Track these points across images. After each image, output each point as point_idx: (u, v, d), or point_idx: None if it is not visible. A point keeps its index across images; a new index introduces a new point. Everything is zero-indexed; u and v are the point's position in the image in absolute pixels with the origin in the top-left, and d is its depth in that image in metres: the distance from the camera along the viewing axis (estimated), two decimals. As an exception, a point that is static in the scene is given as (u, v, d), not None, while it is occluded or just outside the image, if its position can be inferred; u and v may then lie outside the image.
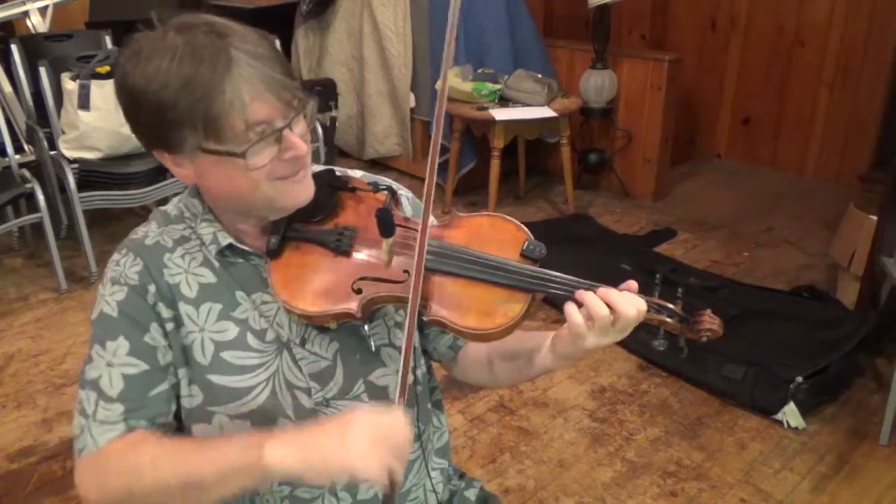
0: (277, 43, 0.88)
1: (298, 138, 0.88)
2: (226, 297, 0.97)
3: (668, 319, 0.94)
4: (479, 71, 3.81)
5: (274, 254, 0.95)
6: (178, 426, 1.00)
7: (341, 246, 0.95)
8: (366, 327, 0.98)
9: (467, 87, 3.69)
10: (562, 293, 0.92)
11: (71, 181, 3.07)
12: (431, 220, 1.01)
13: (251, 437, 0.84)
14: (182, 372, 0.96)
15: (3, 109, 3.31)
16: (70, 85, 3.11)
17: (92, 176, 3.14)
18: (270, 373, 0.97)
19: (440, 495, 1.16)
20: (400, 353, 1.04)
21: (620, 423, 2.37)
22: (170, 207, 1.05)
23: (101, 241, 3.54)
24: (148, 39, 0.86)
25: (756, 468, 2.18)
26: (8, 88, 3.43)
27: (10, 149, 3.23)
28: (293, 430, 0.84)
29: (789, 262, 3.43)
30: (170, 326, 0.95)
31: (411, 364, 1.06)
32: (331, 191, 1.00)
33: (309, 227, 0.97)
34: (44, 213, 3.07)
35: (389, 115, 4.35)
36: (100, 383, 0.92)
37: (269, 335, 0.97)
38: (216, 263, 0.98)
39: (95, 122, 3.11)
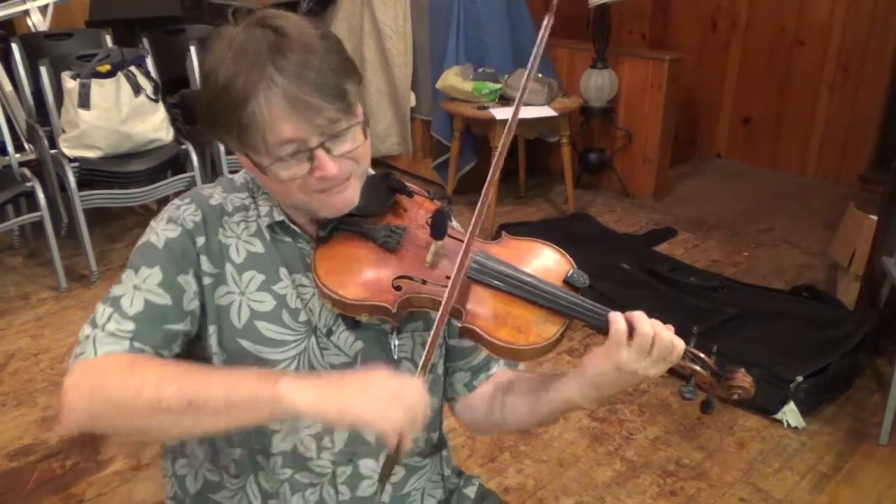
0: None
1: (331, 159, 0.88)
2: (270, 269, 0.98)
3: (702, 371, 0.94)
4: (480, 70, 3.81)
5: (322, 241, 0.97)
6: None
7: (389, 243, 0.97)
8: (393, 336, 1.00)
9: (467, 86, 3.69)
10: (599, 321, 0.92)
11: (71, 180, 3.07)
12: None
13: (267, 372, 0.85)
14: (212, 329, 0.97)
15: (4, 108, 3.31)
16: (70, 84, 3.11)
17: (92, 175, 3.14)
18: (298, 351, 0.98)
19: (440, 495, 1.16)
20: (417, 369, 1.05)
21: (620, 423, 2.37)
22: (237, 176, 1.06)
23: (101, 240, 3.55)
24: (227, 30, 0.89)
25: (756, 468, 2.18)
26: (8, 87, 3.43)
27: (10, 147, 3.23)
28: (311, 375, 0.85)
29: (789, 261, 3.43)
30: (207, 281, 0.97)
31: (428, 385, 1.07)
32: (389, 192, 1.02)
33: (361, 221, 0.98)
34: (44, 211, 3.08)
35: (390, 114, 4.35)
36: (121, 301, 0.93)
37: (302, 316, 0.98)
38: (267, 236, 0.99)
39: (96, 121, 3.11)
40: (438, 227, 0.95)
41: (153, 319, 0.92)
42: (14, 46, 3.38)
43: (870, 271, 2.71)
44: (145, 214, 3.91)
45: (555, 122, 3.71)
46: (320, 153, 0.87)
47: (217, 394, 0.82)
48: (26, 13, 3.67)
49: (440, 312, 0.89)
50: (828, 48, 4.15)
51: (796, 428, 2.33)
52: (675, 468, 2.18)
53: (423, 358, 0.88)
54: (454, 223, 1.09)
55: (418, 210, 1.02)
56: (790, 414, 2.34)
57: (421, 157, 4.41)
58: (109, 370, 0.87)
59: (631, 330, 0.90)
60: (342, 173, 0.90)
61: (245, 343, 0.97)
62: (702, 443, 2.27)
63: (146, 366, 0.87)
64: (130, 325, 0.91)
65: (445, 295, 0.89)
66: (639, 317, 0.90)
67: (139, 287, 0.93)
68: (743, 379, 0.94)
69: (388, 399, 0.80)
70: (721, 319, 2.81)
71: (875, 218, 2.68)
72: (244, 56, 0.84)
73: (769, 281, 3.21)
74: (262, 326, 0.97)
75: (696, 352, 0.94)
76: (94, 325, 0.92)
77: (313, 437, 1.00)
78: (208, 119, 0.90)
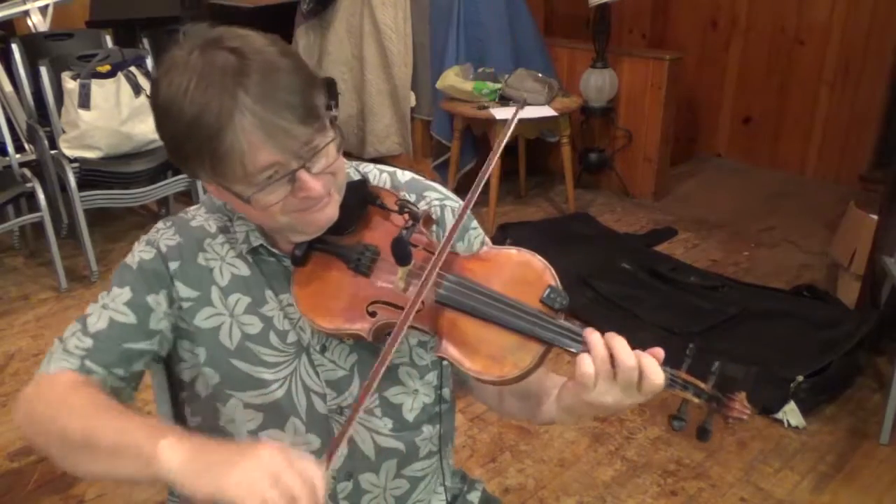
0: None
1: (313, 178, 0.85)
2: (255, 292, 0.98)
3: (694, 398, 0.87)
4: (480, 70, 3.81)
5: (299, 261, 0.94)
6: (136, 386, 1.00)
7: (360, 266, 0.93)
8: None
9: (468, 86, 3.69)
10: (577, 349, 0.85)
11: (71, 180, 3.07)
12: (460, 247, 1.01)
13: (163, 425, 0.83)
14: (199, 350, 0.97)
15: (4, 108, 3.31)
16: (70, 84, 3.11)
17: (92, 175, 3.14)
18: (288, 373, 0.98)
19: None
20: (418, 373, 1.03)
21: (620, 422, 2.37)
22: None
23: (101, 241, 3.55)
24: (178, 56, 0.83)
25: (756, 467, 2.18)
26: (8, 87, 3.43)
27: (10, 148, 3.23)
28: (202, 437, 0.81)
29: (790, 261, 3.43)
30: (187, 304, 0.97)
31: (436, 383, 1.06)
32: (361, 204, 0.97)
33: (335, 239, 0.95)
34: (44, 212, 3.08)
35: (390, 114, 4.35)
36: (88, 318, 0.96)
37: (291, 337, 0.98)
38: (249, 259, 0.99)
39: (96, 122, 3.11)
40: (401, 256, 0.90)
41: (113, 337, 0.94)
42: (14, 47, 3.38)
43: (870, 271, 2.71)
44: (146, 215, 3.91)
45: (555, 122, 3.70)
46: (302, 174, 0.84)
47: (109, 437, 0.80)
48: (26, 13, 3.67)
49: (387, 347, 0.84)
50: (828, 48, 4.15)
51: (797, 427, 2.33)
52: (675, 468, 2.18)
53: (331, 445, 0.82)
54: (449, 219, 1.04)
55: (389, 225, 0.96)
56: (791, 413, 2.34)
57: (421, 157, 4.40)
58: (46, 390, 0.91)
59: (597, 367, 0.84)
60: (324, 190, 0.88)
61: (238, 363, 0.97)
62: (702, 442, 2.27)
63: (74, 395, 0.88)
64: (88, 343, 0.93)
65: (394, 331, 0.84)
66: (596, 342, 0.84)
67: (107, 306, 0.96)
68: (741, 409, 0.88)
69: (262, 476, 0.72)
70: (721, 319, 2.81)
71: (875, 217, 2.68)
72: (209, 83, 0.80)
73: (769, 280, 3.21)
74: (254, 348, 0.97)
75: (688, 378, 0.87)
76: (60, 340, 0.96)
77: (312, 454, 0.98)
78: (179, 155, 0.85)
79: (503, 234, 3.44)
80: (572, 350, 0.85)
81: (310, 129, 0.83)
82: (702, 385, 0.87)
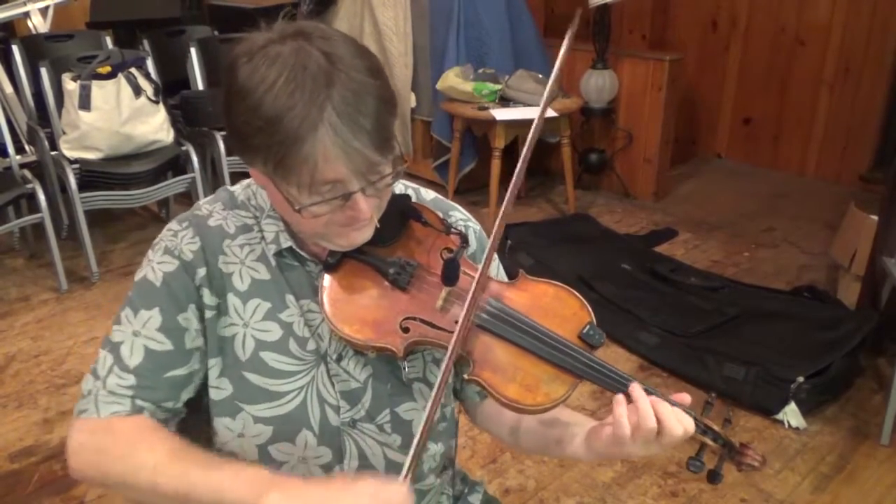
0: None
1: (367, 202, 0.85)
2: (276, 297, 0.95)
3: (712, 442, 0.91)
4: (480, 71, 3.81)
5: (330, 268, 0.92)
6: (188, 413, 0.98)
7: (399, 280, 0.92)
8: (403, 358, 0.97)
9: (468, 87, 3.69)
10: (611, 386, 0.90)
11: (72, 181, 3.08)
12: (493, 273, 1.01)
13: (259, 474, 0.82)
14: (213, 362, 0.94)
15: (4, 110, 3.31)
16: (71, 85, 3.11)
17: (93, 176, 3.15)
18: (305, 382, 0.95)
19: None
20: (431, 390, 1.02)
21: (621, 423, 2.36)
22: (238, 190, 1.01)
23: (101, 242, 3.55)
24: (266, 40, 0.81)
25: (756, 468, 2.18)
26: (9, 89, 3.44)
27: (11, 149, 3.23)
28: (300, 480, 0.83)
29: (790, 262, 3.43)
30: (210, 314, 0.94)
31: (442, 401, 1.04)
32: (402, 218, 0.96)
33: (372, 250, 0.93)
34: (45, 213, 3.08)
35: (390, 115, 4.35)
36: (120, 349, 0.91)
37: (310, 345, 0.95)
38: (272, 262, 0.96)
39: (96, 123, 3.11)
40: (449, 276, 0.91)
41: (154, 369, 0.91)
42: (15, 48, 3.39)
43: (870, 272, 2.71)
44: (146, 215, 3.92)
45: (555, 123, 3.71)
46: (358, 195, 0.84)
47: (208, 494, 0.81)
48: (27, 15, 3.68)
49: (441, 374, 0.84)
50: (828, 48, 4.15)
51: (797, 428, 2.33)
52: (676, 469, 2.17)
53: (410, 458, 0.83)
54: (473, 240, 1.06)
55: (432, 242, 0.96)
56: (791, 414, 2.34)
57: (421, 158, 4.41)
58: (109, 441, 0.87)
59: (637, 424, 0.87)
60: (370, 212, 0.87)
61: (251, 376, 0.94)
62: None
63: (147, 446, 0.86)
64: (131, 380, 0.90)
65: (448, 352, 0.84)
66: (643, 406, 0.87)
67: (139, 333, 0.91)
68: (754, 457, 0.92)
69: None
70: (722, 320, 2.81)
71: (876, 218, 2.68)
72: (298, 85, 0.78)
73: (770, 281, 3.21)
74: (269, 357, 0.94)
75: (709, 423, 0.91)
76: (96, 376, 0.91)
77: (322, 467, 0.97)
78: (242, 143, 0.84)
79: (503, 235, 3.44)
80: (608, 386, 0.90)
81: (385, 159, 0.83)
82: (719, 430, 0.91)
